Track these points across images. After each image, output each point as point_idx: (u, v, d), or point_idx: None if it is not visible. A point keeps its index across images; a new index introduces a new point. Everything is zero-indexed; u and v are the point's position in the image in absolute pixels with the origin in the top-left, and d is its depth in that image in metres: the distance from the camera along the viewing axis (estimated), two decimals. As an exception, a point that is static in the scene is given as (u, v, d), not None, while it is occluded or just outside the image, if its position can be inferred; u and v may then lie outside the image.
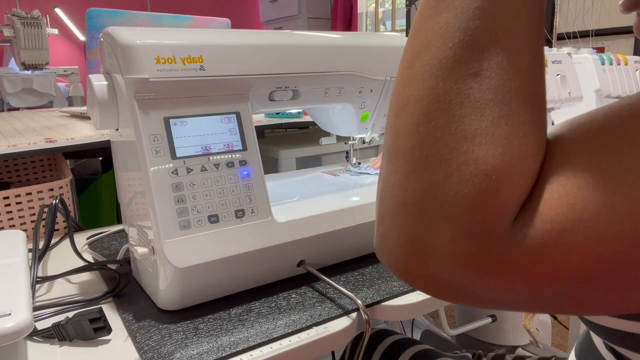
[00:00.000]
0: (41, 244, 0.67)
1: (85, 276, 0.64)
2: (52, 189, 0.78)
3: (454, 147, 0.25)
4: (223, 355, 0.45)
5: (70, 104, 2.82)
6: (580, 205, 0.24)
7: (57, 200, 0.67)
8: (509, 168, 0.24)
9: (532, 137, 0.25)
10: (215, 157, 0.54)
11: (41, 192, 0.77)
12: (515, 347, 1.17)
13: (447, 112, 0.25)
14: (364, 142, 0.79)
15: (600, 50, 2.51)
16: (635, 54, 2.77)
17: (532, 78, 0.26)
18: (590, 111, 0.27)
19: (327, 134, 0.81)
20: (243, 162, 0.55)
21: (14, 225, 0.76)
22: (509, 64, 0.26)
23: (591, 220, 0.23)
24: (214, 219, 0.52)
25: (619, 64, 1.29)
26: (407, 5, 2.58)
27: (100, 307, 0.49)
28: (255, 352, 0.46)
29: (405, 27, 2.74)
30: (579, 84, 1.05)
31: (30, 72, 2.42)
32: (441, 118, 0.26)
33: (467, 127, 0.25)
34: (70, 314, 0.49)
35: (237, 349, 0.46)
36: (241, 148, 0.56)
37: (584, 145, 0.25)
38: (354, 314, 0.53)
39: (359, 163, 0.81)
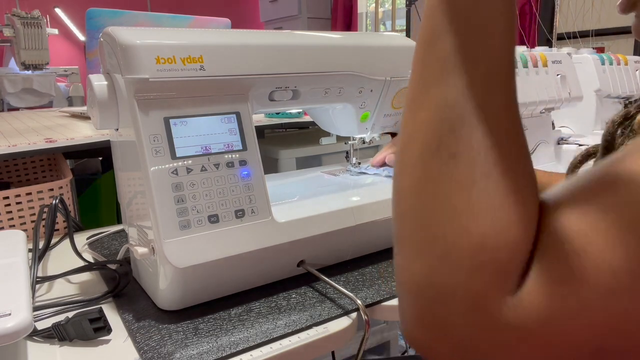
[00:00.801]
0: (41, 244, 0.67)
1: (85, 276, 0.64)
2: (52, 189, 0.78)
3: (446, 225, 0.26)
4: (223, 355, 0.45)
5: (70, 104, 2.82)
6: (582, 266, 0.23)
7: (57, 200, 0.67)
8: (499, 238, 0.25)
9: (519, 205, 0.26)
10: (215, 157, 0.54)
11: (41, 192, 0.77)
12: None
13: (436, 193, 0.27)
14: (364, 142, 0.79)
15: (600, 50, 2.51)
16: (635, 54, 2.77)
17: (510, 149, 0.27)
18: (585, 173, 0.27)
19: (327, 134, 0.81)
20: (243, 162, 0.55)
21: (14, 225, 0.76)
22: (484, 140, 0.27)
23: (594, 282, 0.23)
24: (214, 219, 0.52)
25: (619, 64, 1.29)
26: (407, 5, 2.58)
27: (100, 307, 0.49)
28: (255, 352, 0.46)
29: (405, 27, 2.74)
30: (579, 84, 1.05)
31: (30, 72, 2.42)
32: (432, 200, 0.28)
33: (456, 205, 0.26)
34: (70, 314, 0.49)
35: (237, 349, 0.46)
36: (241, 148, 0.56)
37: (581, 206, 0.25)
38: (354, 314, 0.53)
39: (359, 163, 0.81)
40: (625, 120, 0.37)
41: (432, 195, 0.28)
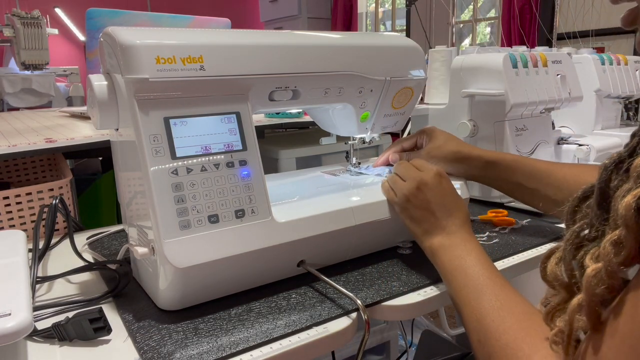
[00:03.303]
0: (41, 244, 0.67)
1: (85, 276, 0.64)
2: (52, 189, 0.78)
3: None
4: (223, 355, 0.45)
5: (70, 104, 2.82)
6: None
7: (57, 200, 0.67)
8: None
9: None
10: (215, 157, 0.54)
11: (41, 192, 0.77)
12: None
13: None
14: (364, 142, 0.79)
15: (600, 50, 2.51)
16: (635, 54, 2.77)
17: (517, 318, 0.46)
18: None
19: (327, 134, 0.81)
20: (243, 162, 0.55)
21: (14, 225, 0.76)
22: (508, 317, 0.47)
23: None
24: (214, 219, 0.52)
25: (619, 64, 1.29)
26: (407, 5, 2.58)
27: (100, 307, 0.49)
28: (255, 352, 0.46)
29: (405, 27, 2.74)
30: (579, 84, 1.05)
31: (29, 72, 2.42)
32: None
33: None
34: (70, 314, 0.49)
35: (237, 349, 0.46)
36: (241, 148, 0.56)
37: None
38: (354, 314, 0.53)
39: (359, 163, 0.81)
40: (617, 165, 0.36)
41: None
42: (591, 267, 0.34)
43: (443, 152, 0.73)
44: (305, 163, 1.17)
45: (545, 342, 0.41)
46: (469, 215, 0.61)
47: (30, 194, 0.76)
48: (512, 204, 0.88)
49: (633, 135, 0.37)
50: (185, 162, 0.52)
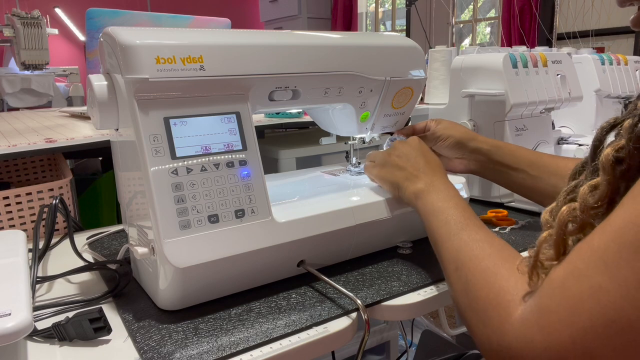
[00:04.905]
0: (41, 244, 0.67)
1: (85, 276, 0.64)
2: (52, 189, 0.78)
3: (481, 290, 0.43)
4: (223, 355, 0.45)
5: (70, 104, 2.82)
6: (556, 295, 0.35)
7: (57, 200, 0.67)
8: (505, 290, 0.41)
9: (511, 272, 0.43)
10: (215, 157, 0.54)
11: (41, 192, 0.77)
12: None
13: (468, 279, 0.46)
14: (364, 142, 0.79)
15: (600, 50, 2.52)
16: (635, 54, 2.77)
17: (494, 250, 0.47)
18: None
19: (327, 134, 0.81)
20: (243, 162, 0.55)
21: (14, 225, 0.76)
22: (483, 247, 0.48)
23: (562, 302, 0.34)
24: (214, 219, 0.52)
25: (619, 64, 1.29)
26: (407, 5, 2.58)
27: (100, 307, 0.49)
28: (255, 352, 0.46)
29: (405, 27, 2.73)
30: (579, 84, 1.05)
31: (30, 72, 2.42)
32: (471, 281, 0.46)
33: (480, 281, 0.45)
34: (70, 314, 0.49)
35: (237, 349, 0.46)
36: (241, 148, 0.56)
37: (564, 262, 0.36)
38: (354, 314, 0.53)
39: (359, 163, 0.81)
40: (612, 127, 0.41)
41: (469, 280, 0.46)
42: (567, 204, 0.38)
43: (450, 132, 0.75)
44: (305, 163, 1.17)
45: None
46: (446, 174, 0.64)
47: (30, 194, 0.76)
48: (512, 204, 0.88)
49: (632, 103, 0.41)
50: (185, 162, 0.52)
